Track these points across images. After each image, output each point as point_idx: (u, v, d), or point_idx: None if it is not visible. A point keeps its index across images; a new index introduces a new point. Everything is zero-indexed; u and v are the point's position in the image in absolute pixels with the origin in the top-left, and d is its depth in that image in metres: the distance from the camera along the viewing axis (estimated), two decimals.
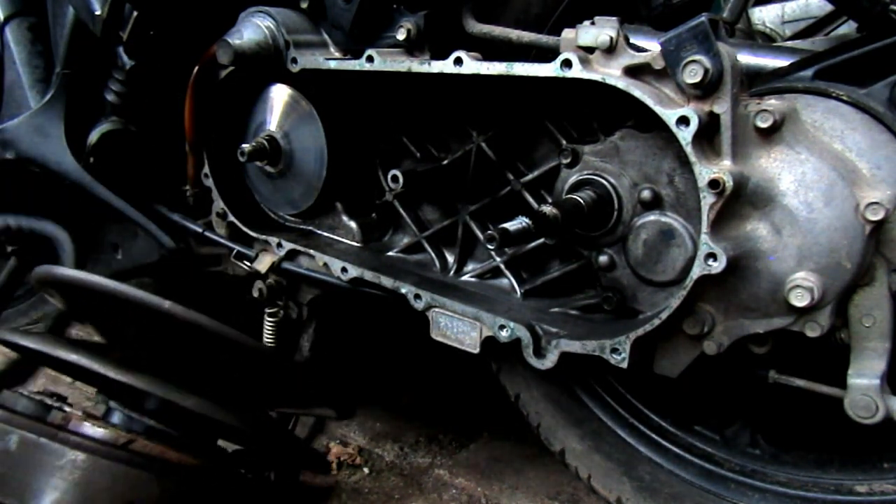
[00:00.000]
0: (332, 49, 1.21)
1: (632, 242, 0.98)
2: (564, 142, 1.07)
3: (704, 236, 0.86)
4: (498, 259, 1.15)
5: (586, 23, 0.93)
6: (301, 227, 1.36)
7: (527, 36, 1.06)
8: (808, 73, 0.94)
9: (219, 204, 1.36)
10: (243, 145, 1.25)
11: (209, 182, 1.36)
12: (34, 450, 0.93)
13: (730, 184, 0.83)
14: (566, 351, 0.98)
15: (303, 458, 1.30)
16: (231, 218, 1.35)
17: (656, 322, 0.91)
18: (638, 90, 0.88)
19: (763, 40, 1.78)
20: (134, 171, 1.47)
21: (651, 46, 0.93)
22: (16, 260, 1.58)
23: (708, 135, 0.86)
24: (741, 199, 0.87)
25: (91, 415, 1.02)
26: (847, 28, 1.61)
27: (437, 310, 1.10)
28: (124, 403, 1.04)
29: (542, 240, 1.09)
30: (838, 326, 0.90)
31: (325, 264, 1.23)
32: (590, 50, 0.93)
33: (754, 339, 0.93)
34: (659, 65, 0.88)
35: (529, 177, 1.11)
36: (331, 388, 1.14)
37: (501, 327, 1.03)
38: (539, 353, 1.00)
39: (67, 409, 0.99)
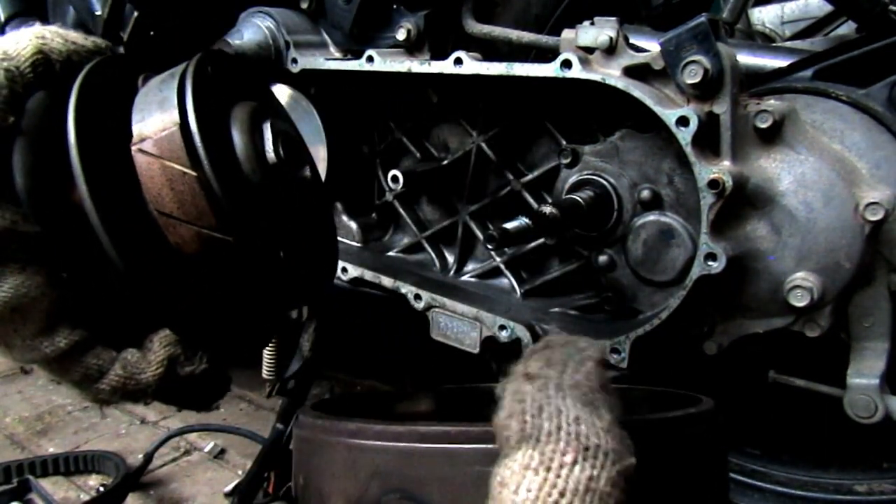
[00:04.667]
0: (332, 49, 1.21)
1: (631, 242, 0.98)
2: (564, 142, 1.07)
3: (704, 236, 0.86)
4: (498, 259, 1.15)
5: (586, 23, 0.94)
6: None
7: (527, 36, 1.07)
8: (808, 73, 0.94)
9: None
10: None
11: None
12: None
13: (729, 184, 0.83)
14: None
15: None
16: None
17: (656, 322, 0.92)
18: (637, 90, 0.88)
19: (762, 41, 1.78)
20: None
21: (651, 47, 0.93)
22: None
23: (708, 135, 0.86)
24: (741, 200, 0.87)
25: None
26: (847, 28, 1.62)
27: (437, 310, 1.10)
28: None
29: (541, 240, 1.09)
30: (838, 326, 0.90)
31: None
32: (589, 50, 0.93)
33: None
34: (659, 65, 0.89)
35: (529, 177, 1.11)
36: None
37: (501, 327, 1.03)
38: None
39: None
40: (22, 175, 0.63)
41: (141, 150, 0.63)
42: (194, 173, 0.61)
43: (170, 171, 0.61)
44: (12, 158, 0.63)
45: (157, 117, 0.63)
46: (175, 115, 0.62)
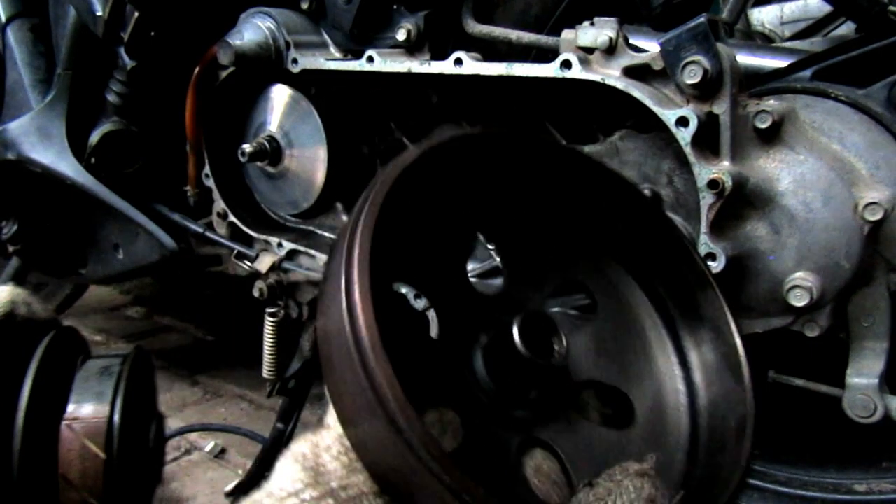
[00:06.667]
0: (332, 49, 1.21)
1: None
2: (564, 142, 1.07)
3: (704, 236, 0.86)
4: (498, 259, 1.15)
5: (586, 23, 0.94)
6: (301, 227, 1.37)
7: (527, 36, 1.07)
8: (807, 73, 0.94)
9: (219, 204, 1.36)
10: (244, 145, 1.25)
11: (210, 182, 1.36)
12: None
13: (729, 184, 0.83)
14: None
15: None
16: (231, 218, 1.35)
17: None
18: (637, 91, 0.88)
19: (762, 41, 1.78)
20: (135, 172, 1.47)
21: (651, 47, 0.93)
22: (18, 260, 1.58)
23: (707, 135, 0.86)
24: (740, 200, 0.87)
25: None
26: (846, 29, 1.62)
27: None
28: None
29: None
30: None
31: None
32: (589, 50, 0.93)
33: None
34: (658, 65, 0.89)
35: None
36: None
37: None
38: None
39: None
40: None
41: (69, 427, 0.80)
42: (104, 457, 0.79)
43: (87, 450, 0.80)
44: None
45: (91, 406, 0.81)
46: (107, 410, 0.81)
